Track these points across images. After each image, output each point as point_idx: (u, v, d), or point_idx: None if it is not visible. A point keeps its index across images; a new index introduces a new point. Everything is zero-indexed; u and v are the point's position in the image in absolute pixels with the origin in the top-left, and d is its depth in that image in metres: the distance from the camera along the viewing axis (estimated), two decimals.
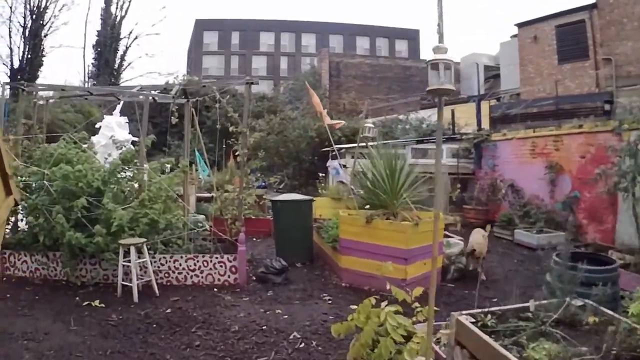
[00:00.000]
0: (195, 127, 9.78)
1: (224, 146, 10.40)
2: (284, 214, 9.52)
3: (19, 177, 8.22)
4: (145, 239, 7.50)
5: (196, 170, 16.00)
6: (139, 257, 7.48)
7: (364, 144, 9.79)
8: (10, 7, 32.54)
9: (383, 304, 4.25)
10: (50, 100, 25.66)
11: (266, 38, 67.12)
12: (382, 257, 7.63)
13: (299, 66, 61.49)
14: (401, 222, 7.83)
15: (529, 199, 13.59)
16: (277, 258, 8.47)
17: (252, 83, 8.78)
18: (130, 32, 46.47)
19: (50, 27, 33.94)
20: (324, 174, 18.10)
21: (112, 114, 13.50)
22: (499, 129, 17.13)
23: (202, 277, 8.09)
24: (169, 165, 8.88)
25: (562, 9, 26.56)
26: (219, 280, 8.09)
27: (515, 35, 32.08)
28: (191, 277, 8.08)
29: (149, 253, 7.78)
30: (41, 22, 32.58)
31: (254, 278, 8.47)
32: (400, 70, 41.58)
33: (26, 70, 30.92)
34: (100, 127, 12.96)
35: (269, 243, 11.81)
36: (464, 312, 4.37)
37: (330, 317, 6.55)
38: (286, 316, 6.65)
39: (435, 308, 3.92)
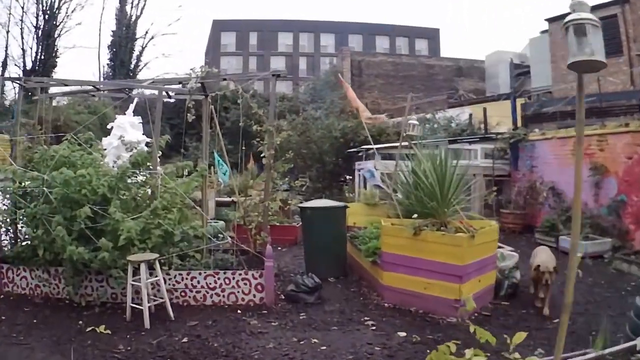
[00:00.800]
0: (215, 126, 8.77)
1: (244, 147, 9.49)
2: (315, 223, 8.47)
3: (16, 183, 7.27)
4: (157, 254, 6.49)
5: (215, 173, 15.10)
6: (151, 275, 6.49)
7: (406, 143, 8.67)
8: (22, 7, 31.82)
9: (468, 352, 3.13)
10: (63, 102, 25.11)
11: (284, 38, 66.29)
12: (432, 275, 6.74)
13: (318, 66, 60.46)
14: (456, 235, 6.74)
15: (571, 203, 12.40)
16: (309, 274, 7.40)
17: (278, 76, 7.75)
18: (146, 32, 45.79)
19: (64, 27, 33.27)
20: (350, 177, 17.10)
21: (125, 114, 12.58)
22: (532, 128, 16.25)
23: (223, 297, 7.05)
24: (186, 169, 7.87)
25: (592, 3, 25.55)
26: (242, 299, 7.05)
27: (545, 31, 30.92)
28: (211, 296, 7.05)
29: (162, 269, 6.79)
30: (54, 22, 31.87)
31: (283, 297, 7.43)
32: (423, 69, 40.50)
33: (39, 72, 30.23)
34: (112, 127, 11.97)
35: (295, 253, 10.77)
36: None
37: (377, 349, 5.48)
38: (324, 347, 5.57)
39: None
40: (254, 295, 7.03)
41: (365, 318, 6.58)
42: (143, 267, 6.13)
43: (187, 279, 7.00)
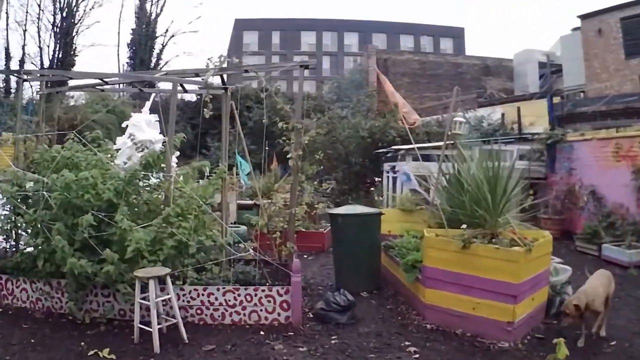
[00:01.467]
0: (235, 124, 7.97)
1: (267, 148, 8.73)
2: (347, 231, 7.60)
3: (14, 186, 6.54)
4: (169, 268, 5.67)
5: (237, 174, 14.36)
6: (162, 291, 5.70)
7: (451, 143, 7.76)
8: (39, 5, 31.30)
9: None
10: (82, 100, 24.59)
11: (307, 37, 65.67)
12: (482, 293, 5.87)
13: (341, 66, 59.60)
14: (512, 249, 5.83)
15: (612, 209, 11.57)
16: (341, 291, 6.53)
17: (306, 67, 6.92)
18: (167, 30, 45.19)
19: (82, 25, 32.78)
20: (378, 179, 16.27)
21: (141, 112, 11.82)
22: (565, 129, 15.18)
23: (244, 315, 6.22)
24: (205, 169, 7.04)
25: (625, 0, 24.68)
26: (266, 319, 6.21)
27: (576, 28, 29.80)
28: (230, 314, 6.22)
29: (175, 284, 6.00)
30: (72, 20, 31.33)
31: (311, 315, 6.58)
32: (450, 67, 39.26)
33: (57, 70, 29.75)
34: (127, 126, 11.17)
35: (322, 262, 9.92)
36: None
37: None
38: None
39: None
40: (279, 314, 6.20)
41: (406, 343, 5.70)
42: (152, 283, 5.32)
43: (203, 295, 6.18)
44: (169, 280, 5.53)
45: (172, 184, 6.36)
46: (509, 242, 6.09)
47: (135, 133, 9.98)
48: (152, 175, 6.77)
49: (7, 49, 29.38)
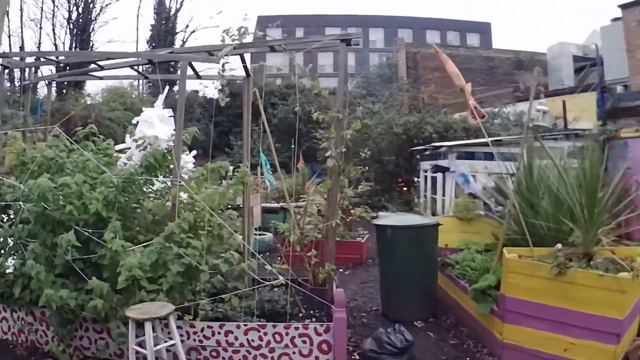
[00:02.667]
0: (260, 117, 6.62)
1: (292, 146, 7.47)
2: (398, 246, 6.14)
3: None
4: (172, 306, 4.30)
5: (261, 174, 13.06)
6: (166, 328, 4.37)
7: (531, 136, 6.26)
8: (54, 1, 30.21)
9: None
10: (98, 98, 23.53)
11: (331, 34, 64.34)
12: (577, 331, 4.53)
13: (367, 62, 58.02)
14: (619, 275, 4.39)
15: None
16: (397, 327, 5.06)
17: (348, 42, 5.55)
18: (187, 26, 44.08)
19: (98, 21, 31.72)
20: (418, 178, 14.91)
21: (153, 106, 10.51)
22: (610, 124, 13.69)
23: (271, 359, 4.86)
24: (225, 170, 5.62)
25: None
26: None
27: (617, 19, 28.09)
28: (254, 357, 4.85)
29: (185, 320, 4.67)
30: (89, 16, 30.23)
31: (356, 355, 5.19)
32: (482, 62, 37.57)
33: (74, 67, 28.51)
34: (137, 122, 9.77)
35: (362, 277, 8.50)
36: None
37: None
38: None
39: None
40: (317, 358, 4.81)
41: None
42: (149, 328, 3.96)
43: (219, 333, 4.81)
44: (172, 321, 4.17)
45: (178, 190, 5.00)
46: (608, 263, 4.67)
47: (145, 130, 8.68)
48: (157, 180, 5.44)
49: (21, 48, 28.39)
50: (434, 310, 6.42)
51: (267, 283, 5.24)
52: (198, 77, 6.39)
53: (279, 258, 8.96)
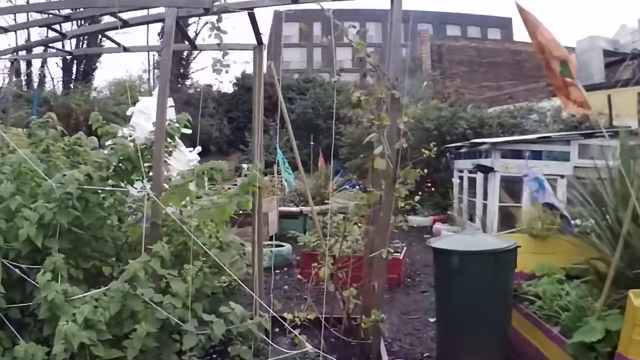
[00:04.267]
0: (280, 106, 5.03)
1: (311, 143, 6.05)
2: (466, 276, 4.46)
3: None
4: None
5: (278, 173, 11.58)
6: None
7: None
8: None
9: None
10: (106, 92, 22.32)
11: (350, 29, 63.05)
12: None
13: (386, 57, 56.75)
14: None
15: None
16: None
17: None
18: (199, 18, 42.83)
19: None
20: (456, 180, 13.50)
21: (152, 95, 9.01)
22: None
23: None
24: (220, 173, 3.99)
25: None
26: None
27: None
28: None
29: None
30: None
31: None
32: (509, 55, 35.86)
33: (82, 61, 27.45)
34: (132, 113, 8.13)
35: (403, 305, 6.81)
36: None
37: None
38: None
39: None
40: None
41: None
42: None
43: None
44: None
45: (152, 204, 3.41)
46: None
47: (140, 121, 7.15)
48: (133, 186, 3.88)
49: (27, 40, 27.26)
50: (507, 354, 4.76)
51: (285, 354, 3.54)
52: (194, 47, 4.80)
53: (300, 278, 7.40)
